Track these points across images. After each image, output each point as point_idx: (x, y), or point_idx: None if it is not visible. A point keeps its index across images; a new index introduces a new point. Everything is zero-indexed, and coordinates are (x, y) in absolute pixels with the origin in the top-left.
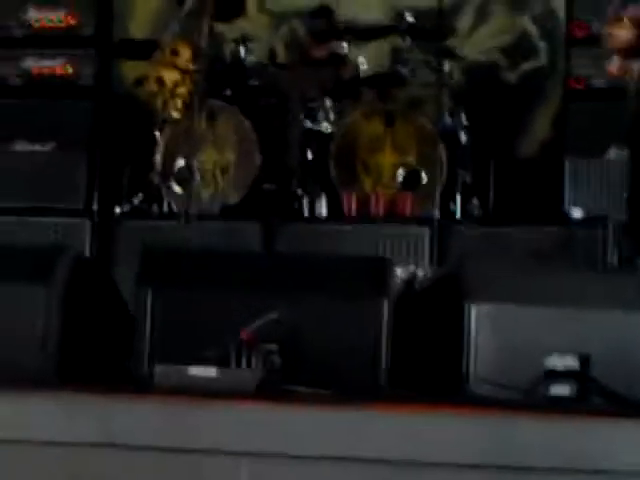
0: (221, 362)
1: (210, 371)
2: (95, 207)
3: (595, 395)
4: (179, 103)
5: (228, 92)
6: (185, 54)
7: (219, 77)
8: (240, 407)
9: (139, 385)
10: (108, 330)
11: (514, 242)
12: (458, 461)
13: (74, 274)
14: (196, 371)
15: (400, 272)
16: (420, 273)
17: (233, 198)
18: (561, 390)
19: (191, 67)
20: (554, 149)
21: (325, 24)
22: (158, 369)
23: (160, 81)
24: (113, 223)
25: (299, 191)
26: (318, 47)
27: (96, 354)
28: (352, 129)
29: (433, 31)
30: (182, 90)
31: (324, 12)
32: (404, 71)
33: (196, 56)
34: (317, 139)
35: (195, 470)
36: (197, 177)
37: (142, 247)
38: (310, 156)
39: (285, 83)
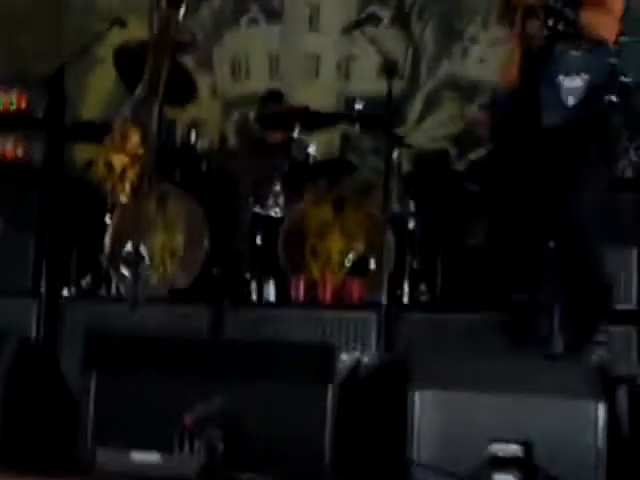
0: (164, 447)
1: (153, 456)
2: (42, 289)
3: None
4: (128, 187)
5: (178, 176)
6: (135, 138)
7: (169, 161)
8: None
9: (81, 471)
10: (52, 415)
11: (461, 328)
12: None
13: (17, 359)
14: (139, 456)
15: (346, 358)
16: (366, 359)
17: (182, 282)
18: (504, 478)
19: (141, 151)
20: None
21: (276, 110)
22: (101, 454)
23: (109, 164)
24: (60, 305)
25: (248, 276)
26: (269, 133)
27: (39, 440)
28: (301, 215)
29: (383, 119)
30: (131, 174)
31: (275, 98)
32: (354, 158)
33: (146, 140)
34: (266, 224)
35: None
36: (146, 260)
37: (87, 331)
38: (259, 241)
39: (235, 168)
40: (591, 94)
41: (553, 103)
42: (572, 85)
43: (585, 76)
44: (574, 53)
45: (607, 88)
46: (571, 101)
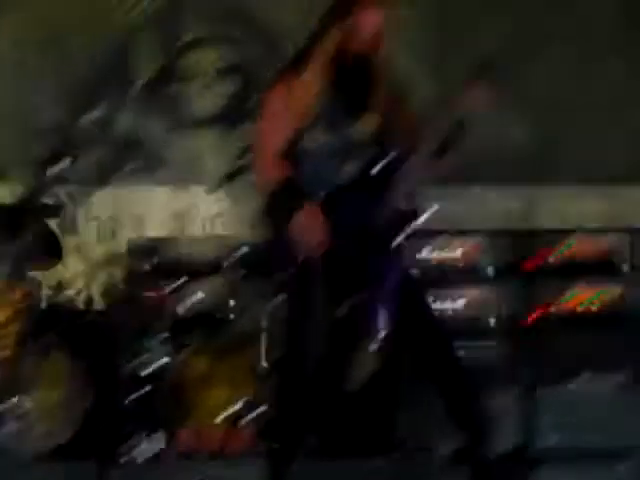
0: None
1: None
2: None
3: None
4: (9, 341)
5: (53, 336)
6: (17, 293)
7: (41, 322)
8: None
9: None
10: None
11: (346, 475)
12: None
13: None
14: None
15: None
16: None
17: (63, 438)
18: None
19: (21, 306)
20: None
21: (151, 263)
22: None
23: None
24: None
25: (130, 430)
26: (143, 288)
27: None
28: (182, 367)
29: (265, 265)
30: (12, 328)
31: (150, 251)
32: (237, 305)
33: (25, 298)
34: (147, 378)
35: None
36: (27, 417)
37: None
38: (141, 394)
39: (111, 325)
40: None
41: None
42: None
43: None
44: None
45: None
46: None
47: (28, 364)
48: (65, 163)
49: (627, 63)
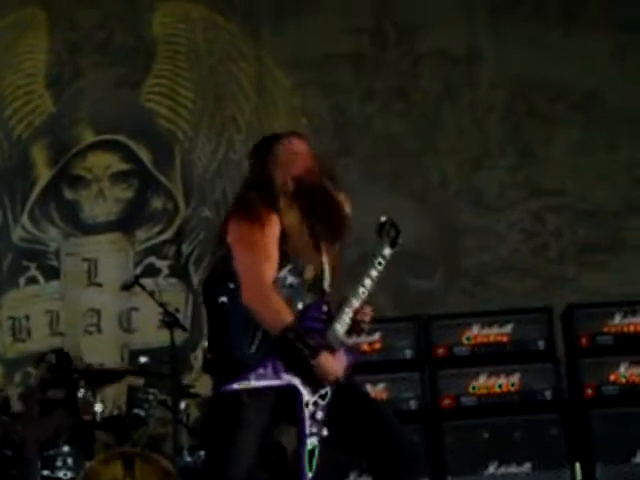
0: None
1: None
2: None
3: None
4: None
5: None
6: None
7: None
8: None
9: None
10: None
11: None
12: None
13: None
14: None
15: None
16: None
17: None
18: None
19: None
20: None
21: (59, 369)
22: None
23: None
24: None
25: None
26: (53, 393)
27: None
28: (91, 474)
29: (167, 370)
30: None
31: (57, 356)
32: (141, 412)
33: None
34: None
35: None
36: None
37: None
38: None
39: (20, 432)
40: None
41: None
42: None
43: None
44: None
45: None
46: None
47: None
48: None
49: None
